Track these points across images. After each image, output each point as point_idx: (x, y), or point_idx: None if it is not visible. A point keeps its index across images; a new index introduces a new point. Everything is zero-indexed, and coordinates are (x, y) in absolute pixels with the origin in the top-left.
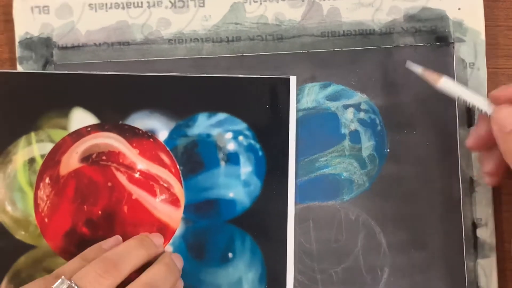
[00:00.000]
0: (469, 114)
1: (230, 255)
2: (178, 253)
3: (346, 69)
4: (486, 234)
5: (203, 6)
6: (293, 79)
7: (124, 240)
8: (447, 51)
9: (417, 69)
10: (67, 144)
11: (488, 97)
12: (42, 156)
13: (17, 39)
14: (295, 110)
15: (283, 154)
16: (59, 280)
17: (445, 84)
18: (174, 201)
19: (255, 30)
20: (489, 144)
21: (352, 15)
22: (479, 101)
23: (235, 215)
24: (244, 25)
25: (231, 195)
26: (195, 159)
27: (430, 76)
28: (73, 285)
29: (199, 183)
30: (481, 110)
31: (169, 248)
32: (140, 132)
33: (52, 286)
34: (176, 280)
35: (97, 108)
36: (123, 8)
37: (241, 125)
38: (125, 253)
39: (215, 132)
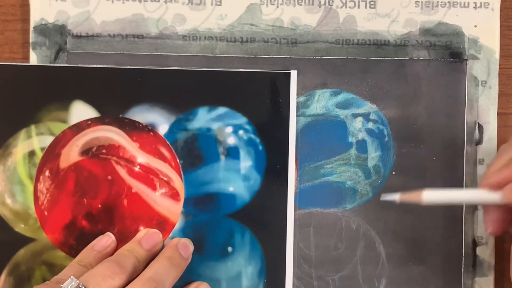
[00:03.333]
0: (479, 131)
1: (229, 249)
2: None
3: (358, 78)
4: (485, 253)
5: (220, 5)
6: (293, 74)
7: (122, 233)
8: (460, 67)
9: (394, 197)
10: (67, 137)
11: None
12: (42, 149)
13: (32, 25)
14: (296, 105)
15: (283, 149)
16: (68, 280)
17: (429, 195)
18: (174, 195)
19: (270, 32)
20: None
21: (368, 25)
22: (480, 195)
23: (235, 209)
24: (260, 26)
25: (231, 189)
26: (195, 153)
27: (411, 197)
28: (81, 285)
29: (199, 177)
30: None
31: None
32: (140, 125)
33: (62, 285)
34: (180, 272)
35: (97, 101)
36: (140, 1)
37: (241, 120)
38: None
39: (215, 126)
